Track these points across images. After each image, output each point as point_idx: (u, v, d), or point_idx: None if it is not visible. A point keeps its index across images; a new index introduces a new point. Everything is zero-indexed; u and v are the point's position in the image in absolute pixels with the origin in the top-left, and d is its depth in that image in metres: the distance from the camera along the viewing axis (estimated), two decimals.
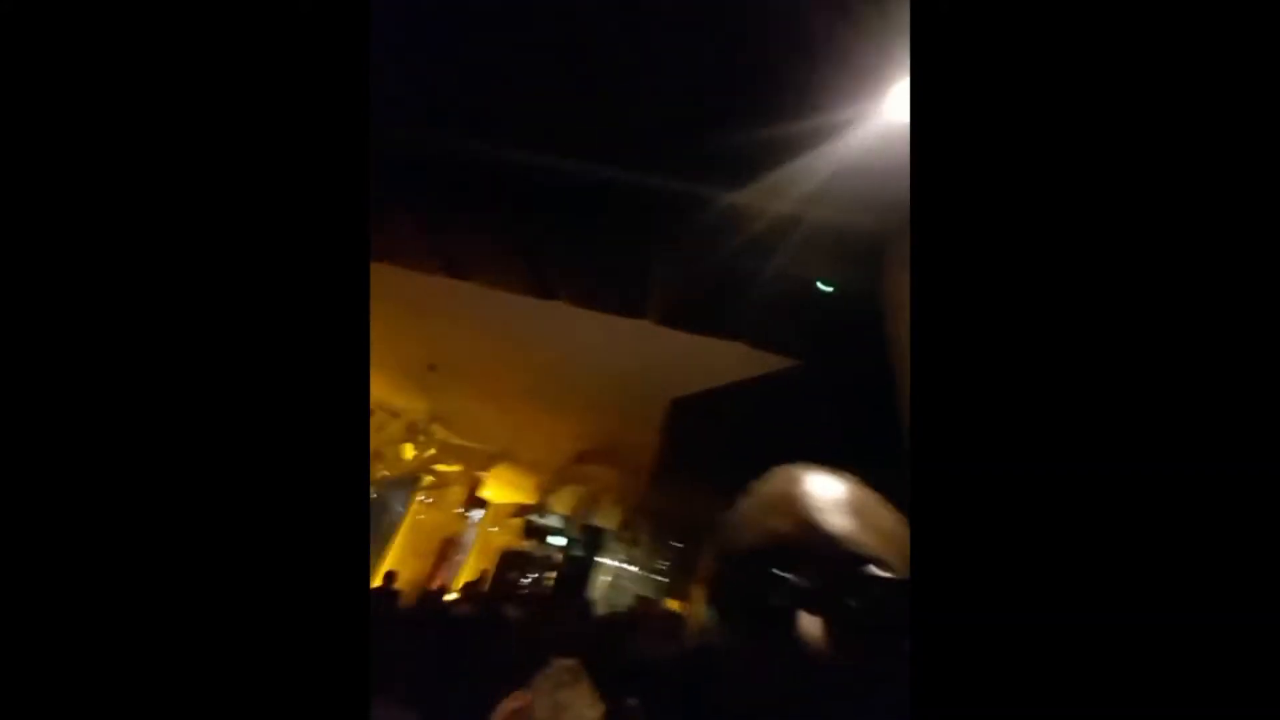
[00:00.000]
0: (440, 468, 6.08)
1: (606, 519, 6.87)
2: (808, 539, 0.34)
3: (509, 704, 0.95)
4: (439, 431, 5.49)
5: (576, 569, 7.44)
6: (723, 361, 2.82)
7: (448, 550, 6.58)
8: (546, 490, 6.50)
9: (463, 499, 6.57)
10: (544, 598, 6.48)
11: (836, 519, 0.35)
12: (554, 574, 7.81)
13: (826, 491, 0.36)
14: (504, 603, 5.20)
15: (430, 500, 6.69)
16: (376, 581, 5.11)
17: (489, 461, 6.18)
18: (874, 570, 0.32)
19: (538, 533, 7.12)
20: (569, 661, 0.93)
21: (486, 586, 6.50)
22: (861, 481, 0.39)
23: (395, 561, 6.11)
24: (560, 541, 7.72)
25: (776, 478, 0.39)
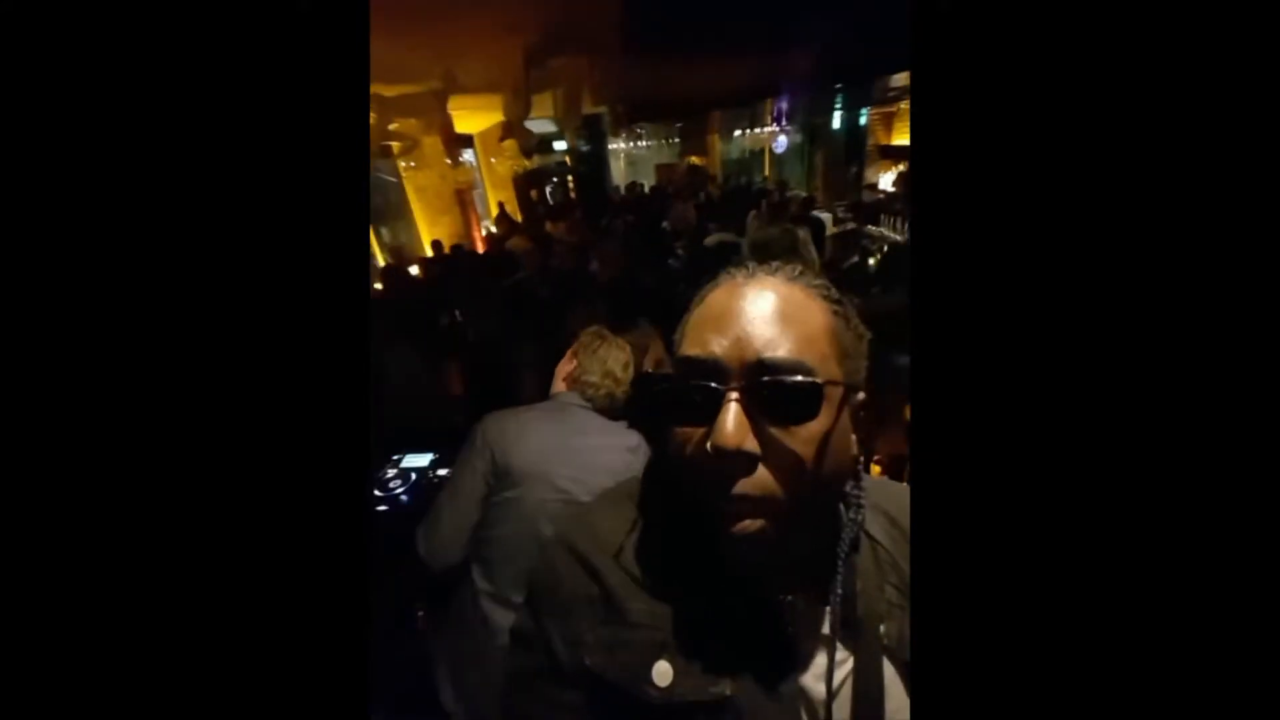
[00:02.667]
0: (395, 127, 5.43)
1: (596, 106, 6.35)
2: (738, 352, 0.40)
3: (564, 366, 1.28)
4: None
5: (590, 164, 7.43)
6: None
7: (464, 198, 6.61)
8: (523, 103, 5.84)
9: (443, 147, 6.11)
10: (571, 204, 6.78)
11: (760, 330, 0.40)
12: (570, 176, 7.90)
13: (755, 304, 0.41)
14: (539, 225, 5.48)
15: (413, 163, 6.30)
16: (428, 251, 5.44)
17: (440, 100, 5.39)
18: (790, 378, 0.39)
19: (538, 146, 6.83)
20: (594, 328, 1.32)
21: (514, 210, 6.74)
22: (798, 281, 0.44)
23: (430, 231, 6.35)
24: (562, 145, 7.47)
25: (720, 289, 0.44)
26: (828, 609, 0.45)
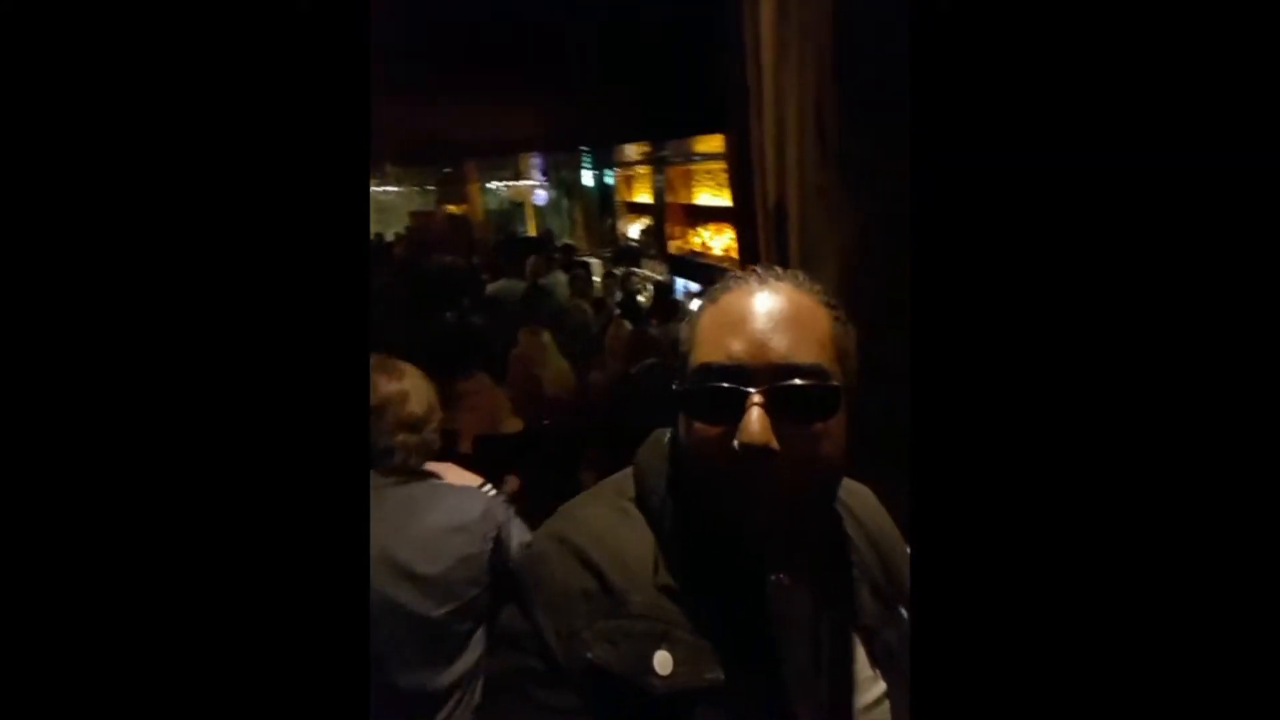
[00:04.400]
0: None
1: None
2: (760, 356, 0.43)
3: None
4: None
5: None
6: None
7: None
8: None
9: None
10: None
11: (780, 336, 0.44)
12: None
13: (773, 310, 0.45)
14: None
15: None
16: None
17: None
18: (811, 381, 0.43)
19: None
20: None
21: None
22: (805, 288, 0.48)
23: None
24: None
25: (732, 293, 0.47)
26: (813, 591, 0.48)
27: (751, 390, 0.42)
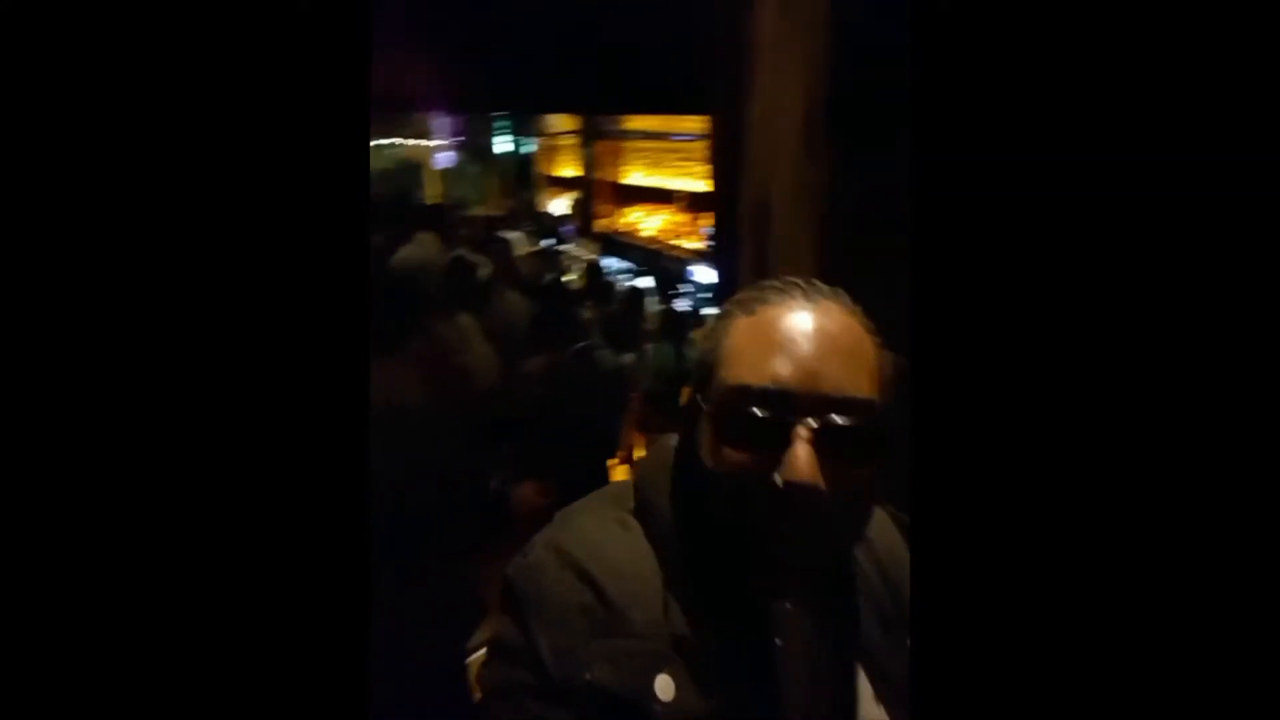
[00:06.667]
0: None
1: None
2: (809, 385, 0.39)
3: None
4: None
5: None
6: None
7: None
8: None
9: None
10: None
11: (834, 364, 0.40)
12: None
13: (826, 334, 0.41)
14: None
15: None
16: None
17: None
18: (859, 420, 0.39)
19: None
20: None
21: None
22: (850, 309, 0.44)
23: None
24: None
25: (774, 307, 0.43)
26: (819, 620, 0.45)
27: (798, 422, 0.38)
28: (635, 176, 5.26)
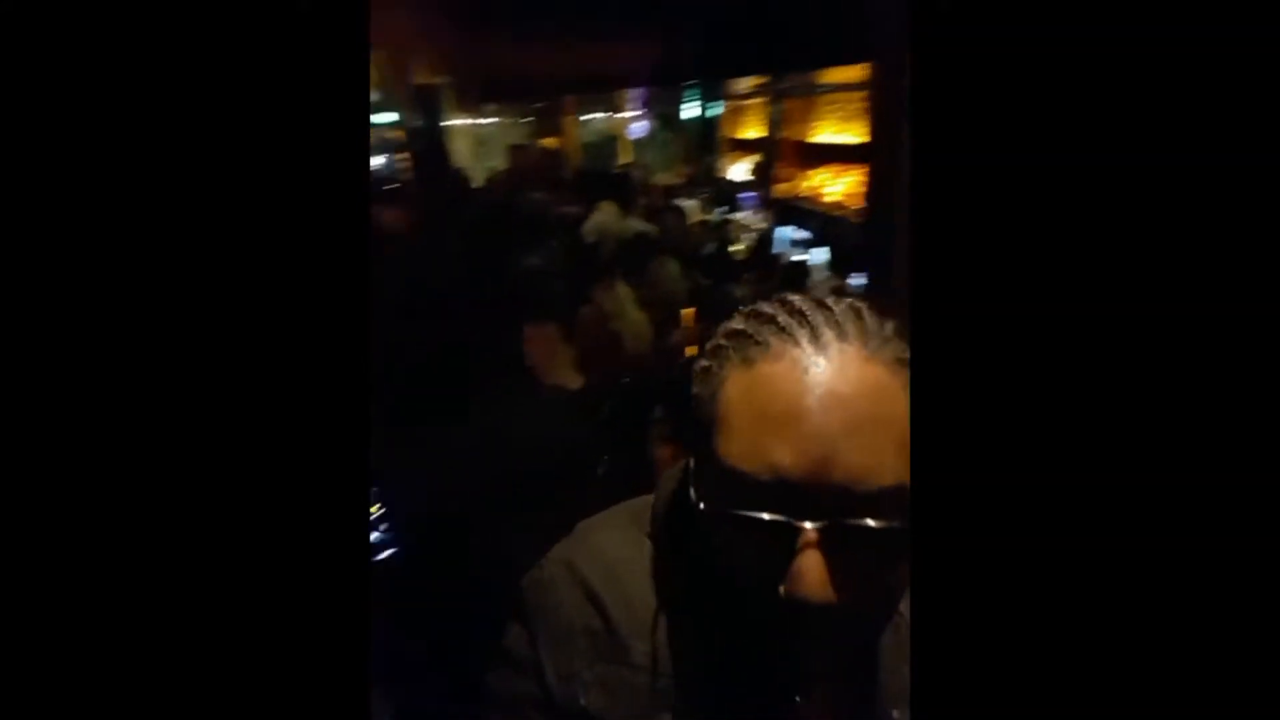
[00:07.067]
0: None
1: (433, 78, 5.60)
2: (819, 477, 0.31)
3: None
4: None
5: (427, 142, 6.57)
6: None
7: None
8: None
9: None
10: (405, 188, 5.95)
11: (851, 449, 0.32)
12: (407, 156, 6.95)
13: (841, 407, 0.32)
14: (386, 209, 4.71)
15: None
16: None
17: None
18: (884, 521, 0.31)
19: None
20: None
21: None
22: (876, 348, 0.35)
23: None
24: (391, 117, 6.52)
25: (773, 361, 0.34)
26: (839, 698, 0.40)
27: (807, 526, 0.31)
28: (825, 135, 4.86)
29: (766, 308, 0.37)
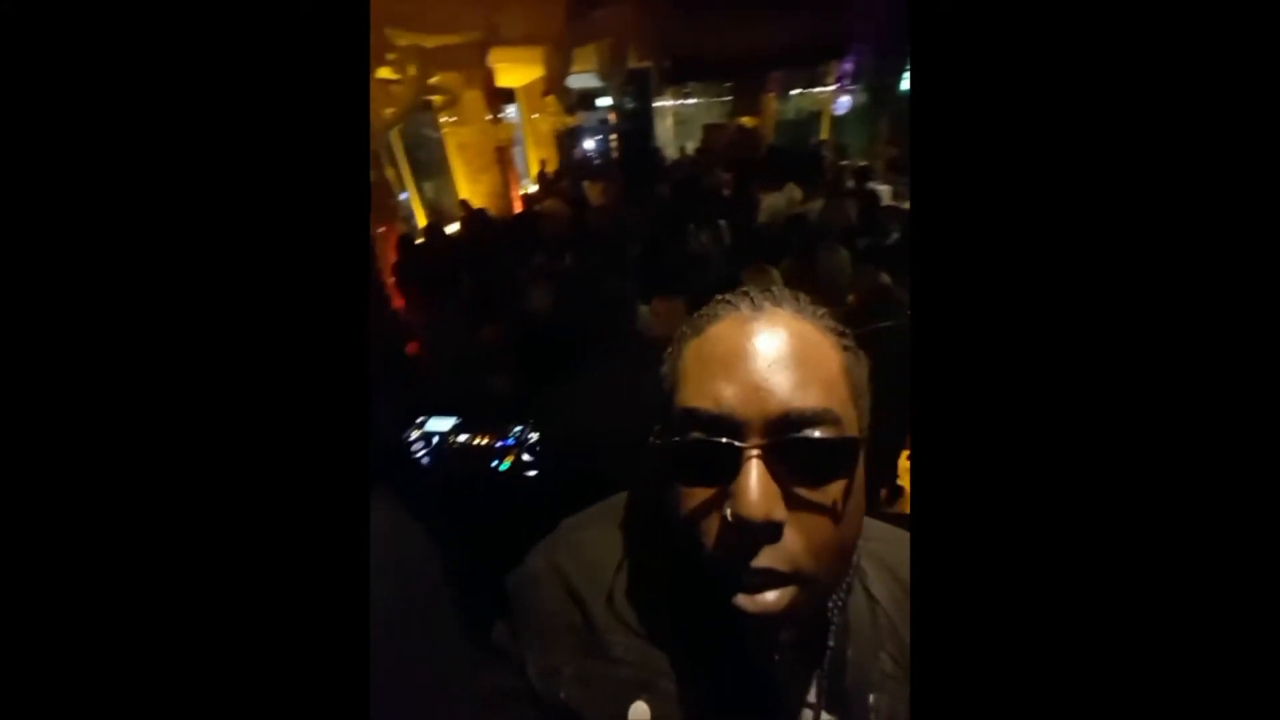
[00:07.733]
0: (435, 80, 5.24)
1: (642, 61, 5.99)
2: (755, 404, 0.35)
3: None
4: (401, 37, 4.40)
5: (634, 122, 7.11)
6: None
7: (504, 156, 6.44)
8: (564, 56, 5.54)
9: (484, 102, 5.91)
10: (611, 166, 6.53)
11: (781, 378, 0.36)
12: (615, 136, 7.62)
13: (771, 347, 0.37)
14: (581, 183, 5.28)
15: (454, 118, 6.14)
16: (457, 209, 5.32)
17: (480, 52, 5.16)
18: (821, 432, 0.35)
19: (580, 102, 6.52)
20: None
21: (554, 169, 6.55)
22: (807, 314, 0.40)
23: (470, 188, 6.24)
24: (607, 101, 7.16)
25: (720, 323, 0.40)
26: (815, 673, 0.41)
27: (747, 445, 0.35)
28: None
29: (722, 295, 0.42)
